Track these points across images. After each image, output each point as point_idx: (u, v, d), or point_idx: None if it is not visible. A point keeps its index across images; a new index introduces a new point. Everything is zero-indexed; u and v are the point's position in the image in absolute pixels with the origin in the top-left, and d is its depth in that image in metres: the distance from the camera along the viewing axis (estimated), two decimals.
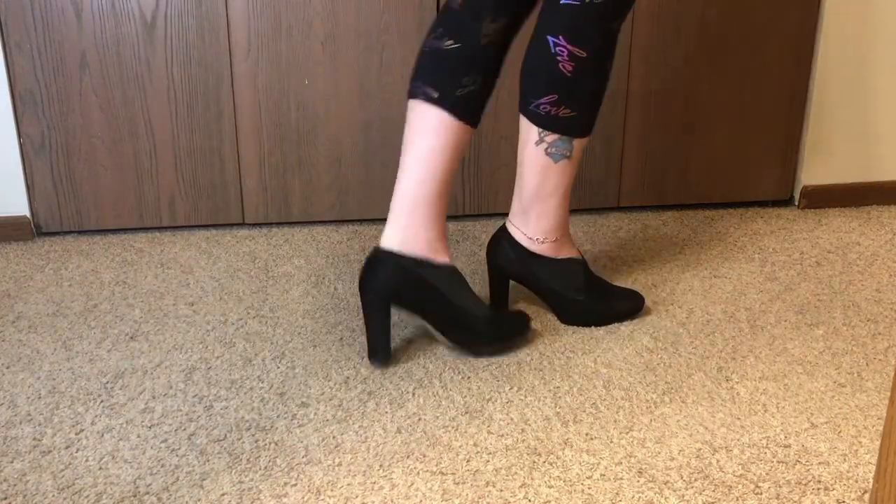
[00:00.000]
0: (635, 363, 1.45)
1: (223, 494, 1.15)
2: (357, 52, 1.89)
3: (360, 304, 1.63)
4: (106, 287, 1.70)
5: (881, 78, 2.07)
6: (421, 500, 1.14)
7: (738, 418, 1.31)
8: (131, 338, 1.53)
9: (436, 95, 1.40)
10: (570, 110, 1.42)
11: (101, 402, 1.34)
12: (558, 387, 1.39)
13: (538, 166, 1.47)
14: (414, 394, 1.37)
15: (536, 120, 1.44)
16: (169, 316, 1.60)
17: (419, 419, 1.31)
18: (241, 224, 1.99)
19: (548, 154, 1.45)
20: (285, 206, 1.97)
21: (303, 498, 1.14)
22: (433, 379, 1.40)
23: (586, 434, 1.27)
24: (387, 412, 1.32)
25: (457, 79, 1.40)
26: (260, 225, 1.99)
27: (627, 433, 1.28)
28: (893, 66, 2.06)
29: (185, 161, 1.91)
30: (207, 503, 1.14)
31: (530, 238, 1.52)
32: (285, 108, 1.90)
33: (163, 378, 1.41)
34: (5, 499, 1.14)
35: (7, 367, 1.44)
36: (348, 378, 1.41)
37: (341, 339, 1.52)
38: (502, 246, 1.54)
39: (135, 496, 1.14)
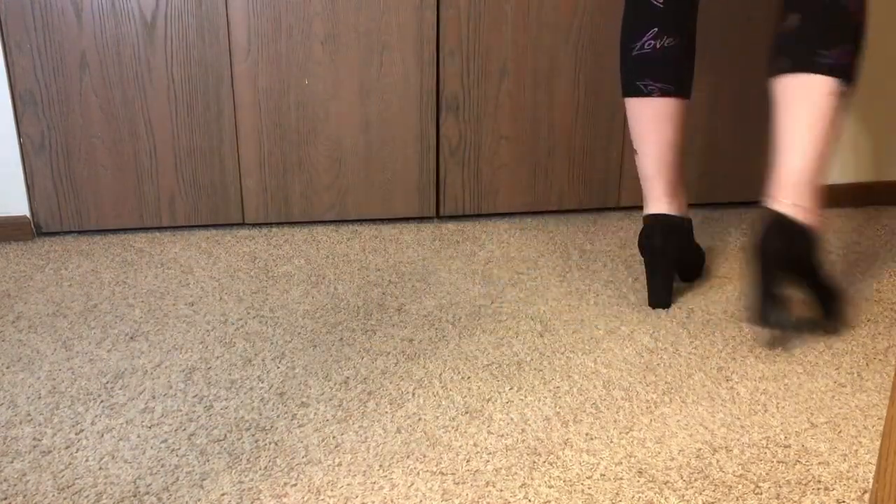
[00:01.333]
0: (635, 363, 1.45)
1: (223, 494, 1.15)
2: (357, 52, 1.89)
3: (359, 304, 1.64)
4: (106, 287, 1.70)
5: (881, 78, 2.06)
6: (421, 500, 1.14)
7: (738, 418, 1.31)
8: (131, 338, 1.53)
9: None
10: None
11: (101, 402, 1.34)
12: (558, 387, 1.39)
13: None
14: (414, 394, 1.37)
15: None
16: (169, 316, 1.60)
17: (419, 419, 1.30)
18: (241, 224, 1.99)
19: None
20: (285, 206, 1.97)
21: (303, 498, 1.14)
22: (433, 379, 1.40)
23: (586, 434, 1.27)
24: (387, 412, 1.32)
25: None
26: (260, 225, 1.99)
27: (627, 433, 1.28)
28: (893, 66, 2.06)
29: (185, 161, 1.91)
30: (207, 503, 1.14)
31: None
32: (285, 108, 1.90)
33: (163, 378, 1.40)
34: (5, 499, 1.14)
35: (7, 367, 1.44)
36: (348, 378, 1.41)
37: (341, 339, 1.52)
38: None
39: (135, 496, 1.14)
